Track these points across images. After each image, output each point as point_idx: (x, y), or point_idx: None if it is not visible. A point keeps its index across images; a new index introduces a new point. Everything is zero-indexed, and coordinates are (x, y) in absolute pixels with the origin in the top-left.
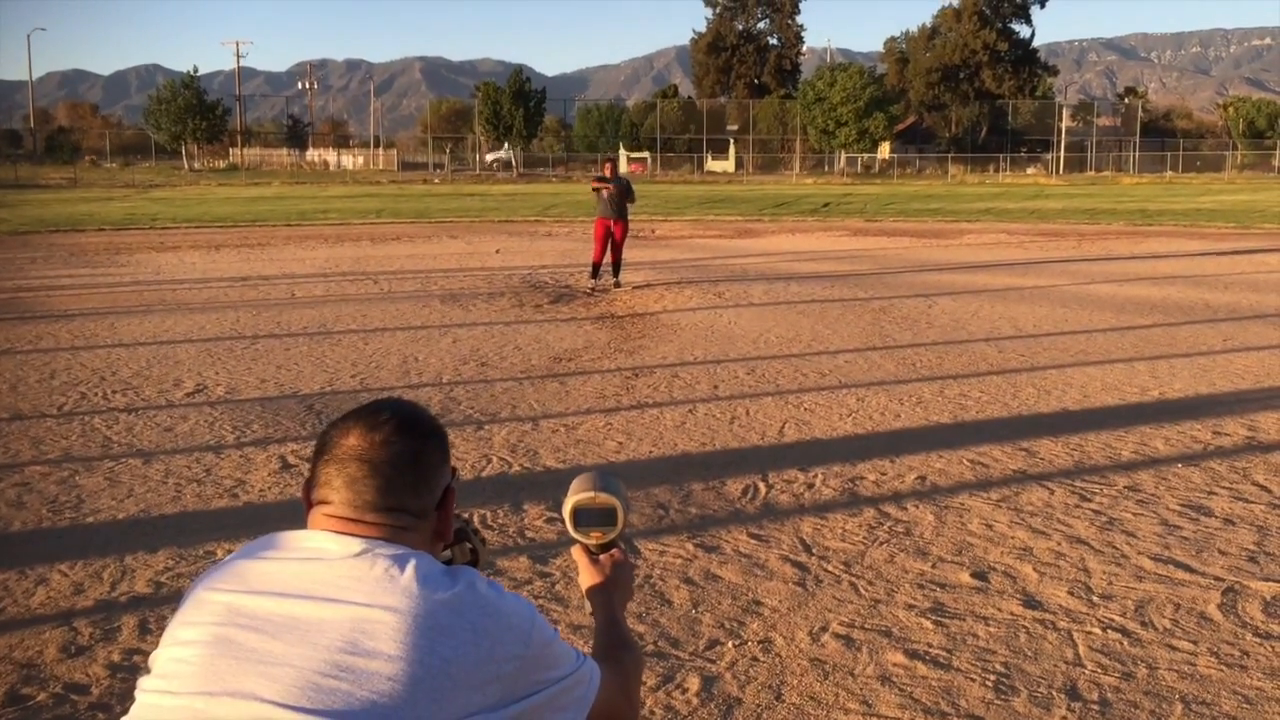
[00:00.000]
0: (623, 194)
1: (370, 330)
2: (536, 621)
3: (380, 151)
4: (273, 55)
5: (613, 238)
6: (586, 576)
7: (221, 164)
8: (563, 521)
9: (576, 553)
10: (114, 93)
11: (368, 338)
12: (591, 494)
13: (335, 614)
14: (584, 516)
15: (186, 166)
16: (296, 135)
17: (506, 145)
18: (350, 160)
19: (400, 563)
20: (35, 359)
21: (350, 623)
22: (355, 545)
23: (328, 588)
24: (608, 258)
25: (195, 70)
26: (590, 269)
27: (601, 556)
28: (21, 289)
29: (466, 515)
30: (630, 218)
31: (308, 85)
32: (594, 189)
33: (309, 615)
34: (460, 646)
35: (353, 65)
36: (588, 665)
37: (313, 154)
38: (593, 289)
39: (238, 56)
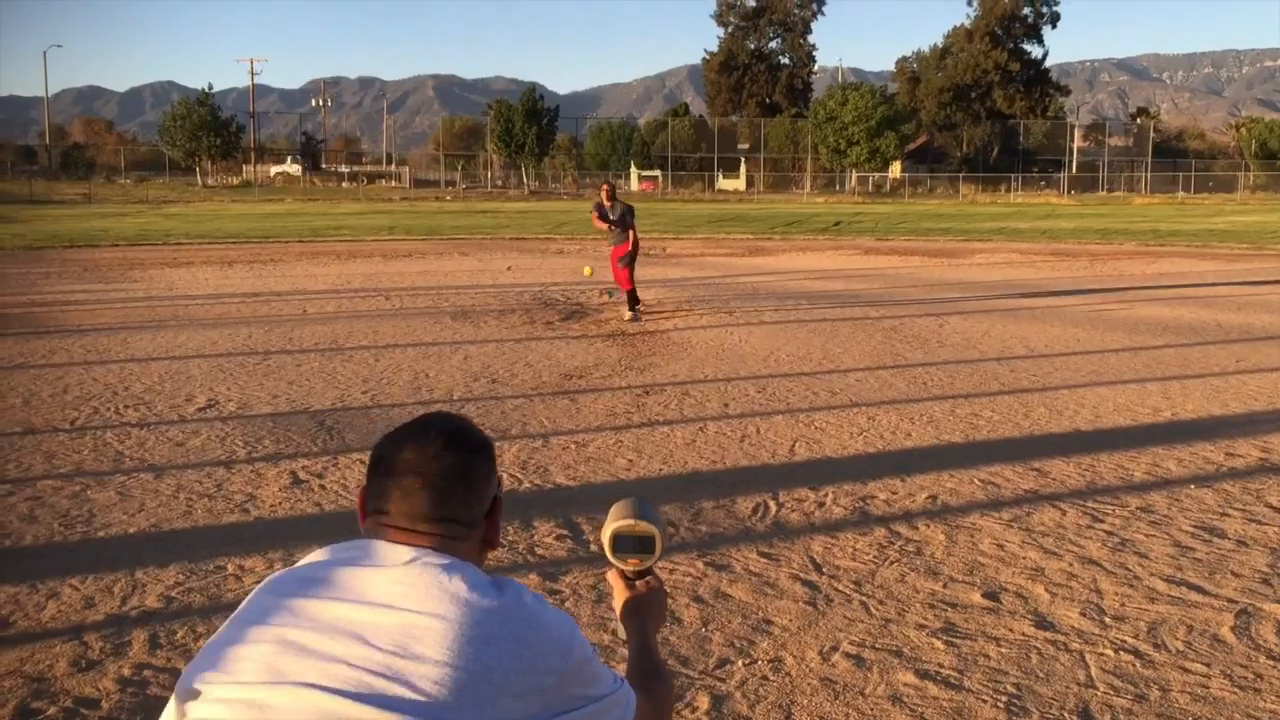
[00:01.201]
0: (624, 219)
1: (382, 346)
2: (578, 637)
3: (393, 168)
4: (287, 73)
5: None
6: (621, 601)
7: (235, 180)
8: (600, 548)
9: (612, 577)
10: (129, 109)
11: (379, 354)
12: (631, 522)
13: (388, 619)
14: (623, 543)
15: (200, 183)
16: (310, 152)
17: (290, 158)
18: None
19: (449, 572)
20: (48, 373)
21: (400, 628)
22: (407, 554)
23: (381, 593)
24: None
25: (210, 87)
26: (627, 301)
27: (638, 583)
28: (35, 304)
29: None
30: (639, 234)
31: (321, 102)
32: (595, 223)
33: (364, 619)
34: (503, 655)
35: (366, 83)
36: (625, 689)
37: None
38: (635, 317)
39: (252, 74)
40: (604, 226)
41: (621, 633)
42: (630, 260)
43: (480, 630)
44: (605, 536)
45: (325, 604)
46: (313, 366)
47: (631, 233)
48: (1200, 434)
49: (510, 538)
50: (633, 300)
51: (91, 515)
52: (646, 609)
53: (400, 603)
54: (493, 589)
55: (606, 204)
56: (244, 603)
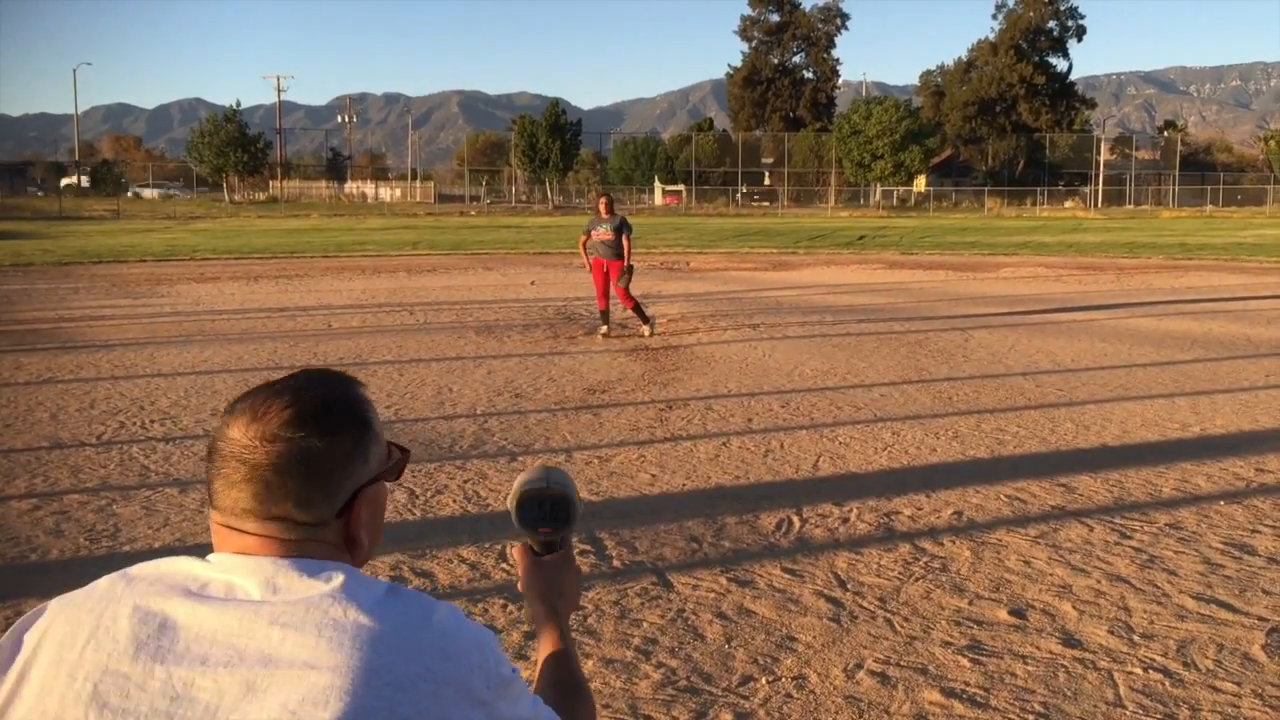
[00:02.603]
0: (618, 234)
1: (406, 361)
2: (498, 656)
3: (418, 184)
4: (313, 89)
5: (610, 279)
6: (527, 579)
7: (261, 196)
8: (510, 516)
9: (518, 553)
10: (157, 126)
11: (403, 368)
12: (542, 484)
13: (252, 680)
14: (530, 509)
15: (227, 199)
16: (336, 168)
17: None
18: (388, 193)
19: (336, 598)
20: (76, 388)
21: (276, 697)
22: (259, 568)
23: (239, 641)
24: (614, 303)
25: (238, 104)
26: (600, 317)
27: (547, 557)
28: (64, 319)
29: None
30: (642, 252)
31: (347, 118)
32: (582, 242)
33: (219, 690)
34: (421, 701)
35: (391, 99)
36: (543, 714)
37: (351, 186)
38: (606, 334)
39: (278, 90)
40: (581, 247)
41: (529, 619)
42: (625, 279)
43: (391, 678)
44: (511, 502)
45: (160, 671)
46: None
47: (625, 247)
48: (1230, 449)
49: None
50: (604, 318)
51: (117, 530)
52: (557, 590)
53: (273, 650)
54: (393, 611)
55: (604, 216)
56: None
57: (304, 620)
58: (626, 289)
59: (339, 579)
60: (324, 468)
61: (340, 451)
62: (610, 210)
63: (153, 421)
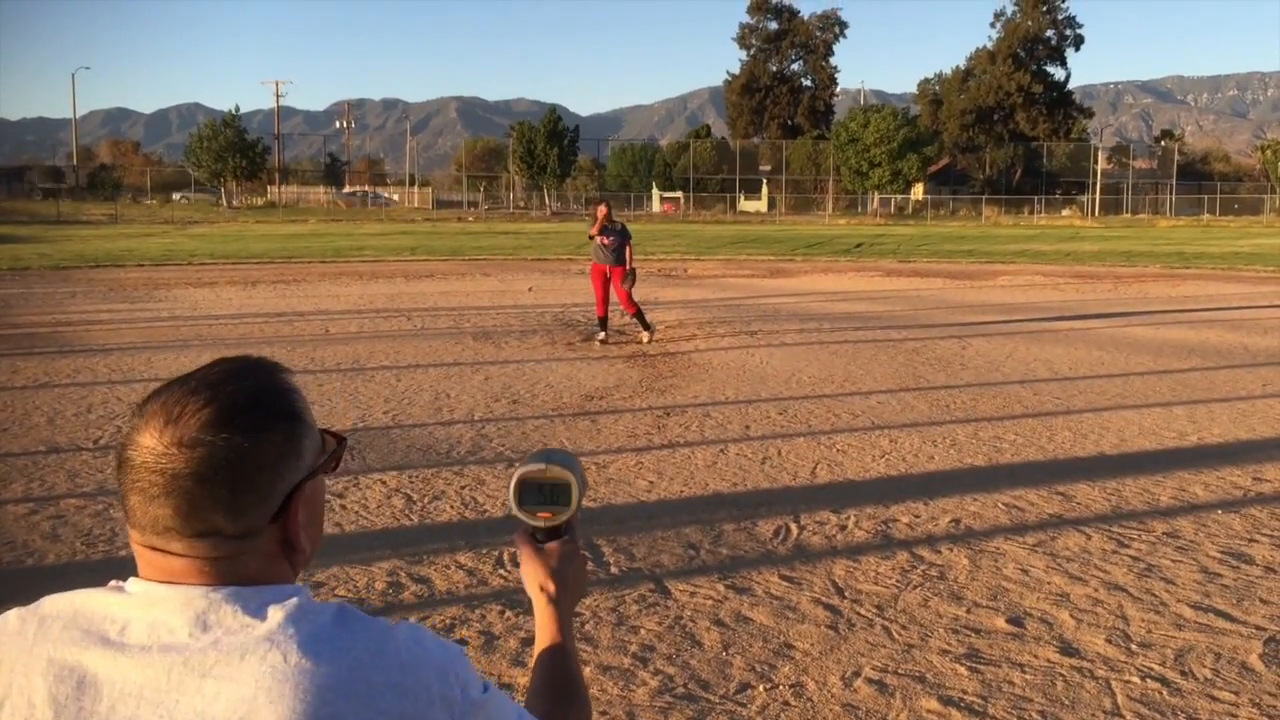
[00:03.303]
0: (620, 241)
1: (403, 366)
2: (463, 676)
3: (415, 190)
4: (311, 95)
5: (611, 285)
6: (529, 568)
7: (259, 201)
8: (508, 507)
9: (520, 540)
10: (155, 130)
11: (400, 374)
12: (541, 466)
13: None
14: (530, 493)
15: (225, 204)
16: (334, 173)
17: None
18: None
19: (275, 645)
20: (73, 392)
21: None
22: (184, 603)
23: (175, 696)
24: (616, 309)
25: (237, 109)
26: (598, 323)
27: (548, 545)
28: (61, 323)
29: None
30: (641, 258)
31: (345, 124)
32: (591, 236)
33: None
34: None
35: (390, 104)
36: None
37: (349, 191)
38: (604, 341)
39: (277, 96)
40: (595, 232)
41: (532, 604)
42: (629, 282)
43: None
44: (511, 486)
45: None
46: (334, 386)
47: (628, 254)
48: (1227, 458)
49: None
50: (602, 324)
51: (114, 534)
52: (560, 579)
53: (205, 708)
54: (336, 643)
55: (604, 222)
56: None
57: (239, 671)
58: (629, 294)
59: (277, 615)
60: (254, 470)
61: (271, 449)
62: (609, 217)
63: None
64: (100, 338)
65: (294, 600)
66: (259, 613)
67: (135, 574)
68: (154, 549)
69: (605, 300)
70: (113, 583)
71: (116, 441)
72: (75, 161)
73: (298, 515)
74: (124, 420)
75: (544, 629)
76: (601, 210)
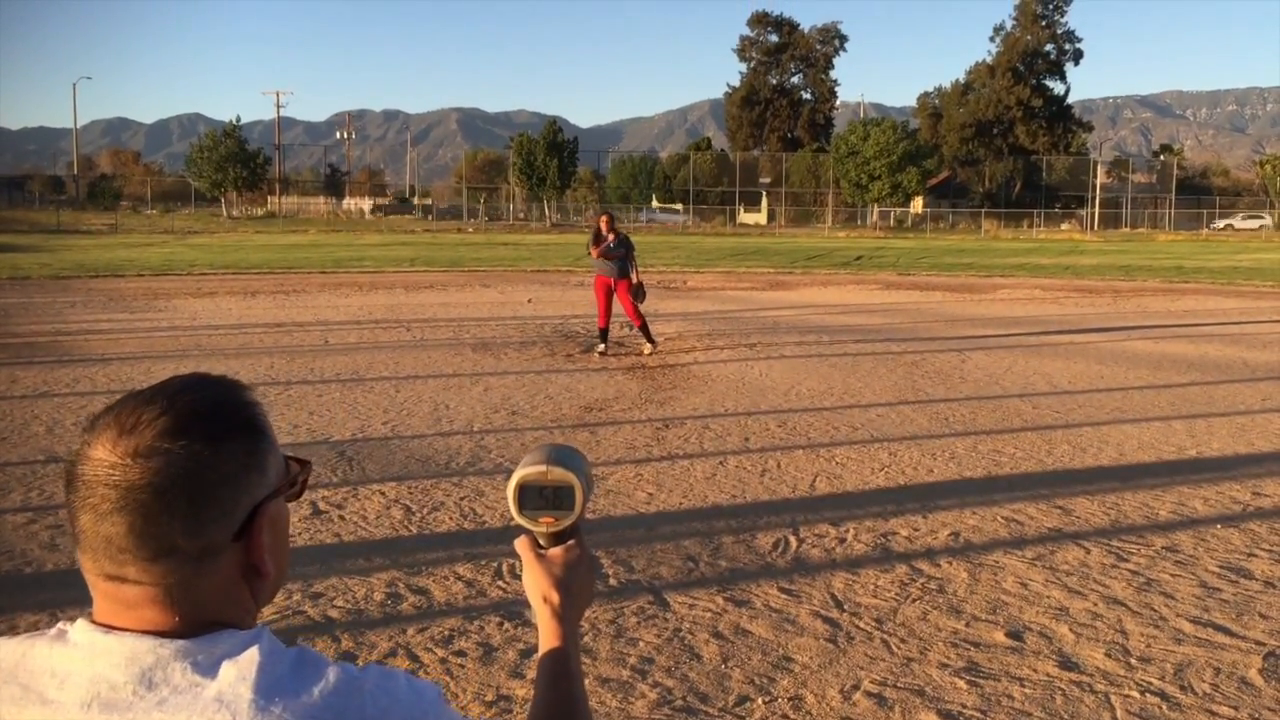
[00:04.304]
0: (624, 253)
1: (402, 377)
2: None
3: (416, 200)
4: (312, 105)
5: (616, 298)
6: (531, 577)
7: (259, 211)
8: (508, 509)
9: (521, 545)
10: (156, 141)
11: (400, 385)
12: (542, 468)
13: None
14: (530, 496)
15: (225, 214)
16: (334, 184)
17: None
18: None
19: (225, 706)
20: (72, 402)
21: None
22: (140, 660)
23: None
24: (622, 320)
25: (238, 119)
26: (599, 335)
27: (551, 550)
28: (60, 332)
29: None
30: (641, 271)
31: (346, 135)
32: (590, 254)
33: None
34: None
35: (390, 115)
36: None
37: (349, 202)
38: (603, 353)
39: (278, 106)
40: (595, 254)
41: (533, 618)
42: (637, 295)
43: None
44: (510, 489)
45: None
46: (334, 397)
47: (633, 269)
48: (1227, 473)
49: None
50: (603, 336)
51: None
52: (565, 588)
53: None
54: (292, 700)
55: (607, 234)
56: None
57: None
58: (636, 307)
59: (229, 672)
60: (215, 481)
61: (232, 460)
62: (611, 228)
63: None
64: (99, 347)
65: (249, 652)
66: (210, 670)
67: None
68: (108, 577)
69: (608, 312)
70: (59, 625)
71: (65, 460)
72: (76, 171)
73: (261, 535)
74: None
75: (548, 643)
76: (603, 220)
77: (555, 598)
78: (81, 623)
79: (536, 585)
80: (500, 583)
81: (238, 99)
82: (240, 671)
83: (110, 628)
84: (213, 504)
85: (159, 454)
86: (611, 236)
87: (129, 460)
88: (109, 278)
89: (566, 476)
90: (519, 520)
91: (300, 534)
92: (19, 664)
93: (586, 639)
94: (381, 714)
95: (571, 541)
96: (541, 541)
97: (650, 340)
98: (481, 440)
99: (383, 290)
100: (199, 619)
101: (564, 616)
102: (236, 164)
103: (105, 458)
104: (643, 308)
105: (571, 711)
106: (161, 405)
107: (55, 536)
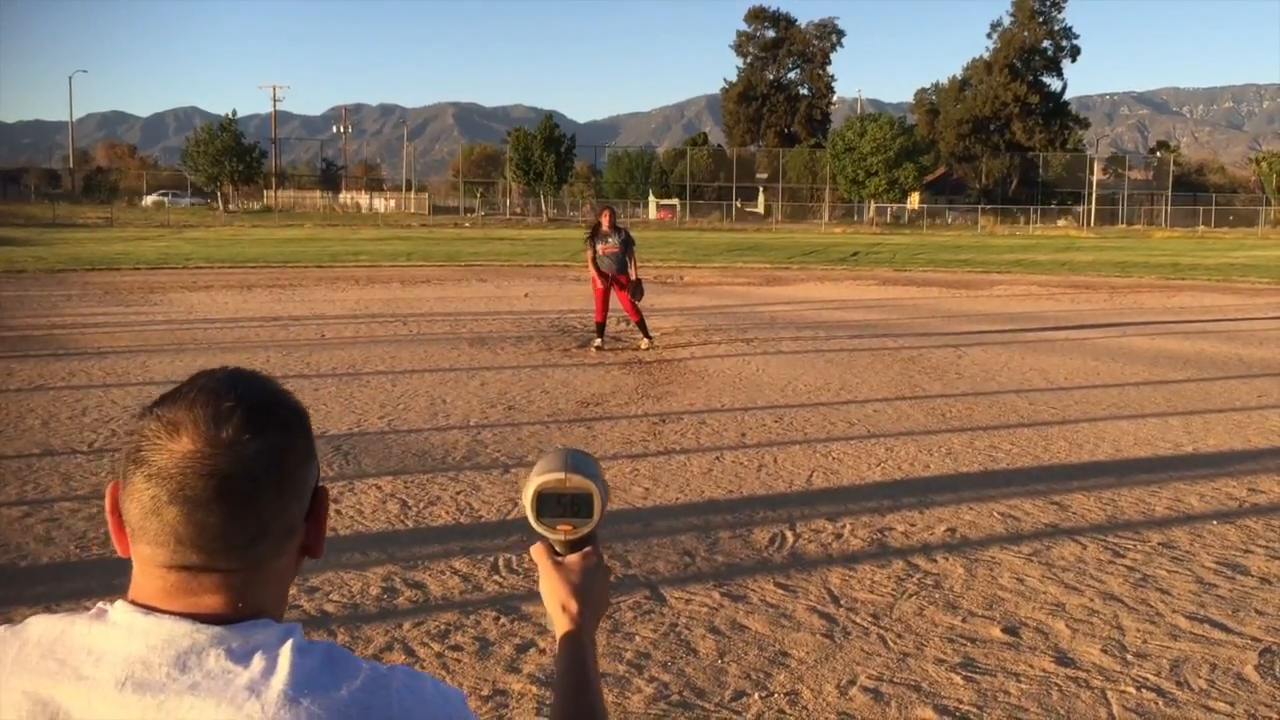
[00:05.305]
0: (623, 248)
1: (399, 372)
2: None
3: (412, 195)
4: (308, 99)
5: (613, 292)
6: (549, 585)
7: (256, 205)
8: (523, 511)
9: (537, 553)
10: (152, 134)
11: (396, 379)
12: (560, 476)
13: None
14: (548, 504)
15: (221, 208)
16: (330, 178)
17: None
18: (382, 204)
19: (254, 695)
20: (67, 395)
21: None
22: (177, 644)
23: None
24: (618, 317)
25: (234, 113)
26: (596, 329)
27: (568, 558)
28: (56, 326)
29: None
30: (640, 266)
31: (342, 129)
32: (587, 254)
33: None
34: None
35: (387, 110)
36: None
37: (345, 196)
38: (600, 347)
39: (274, 100)
40: (590, 259)
41: (550, 627)
42: (635, 292)
43: None
44: (527, 497)
45: None
46: (330, 391)
47: (632, 265)
48: (1223, 469)
49: (525, 564)
50: (600, 331)
51: (108, 538)
52: (583, 596)
53: None
54: (321, 693)
55: (607, 229)
56: None
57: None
58: (634, 303)
59: (260, 662)
60: (293, 464)
61: (300, 446)
62: (612, 224)
63: None
64: (95, 341)
65: (283, 644)
66: (244, 659)
67: (127, 582)
68: (182, 567)
69: (605, 307)
70: (99, 605)
71: (128, 457)
72: (72, 164)
73: (324, 514)
74: (118, 423)
75: (566, 653)
76: (605, 216)
77: (574, 606)
78: (121, 603)
79: (554, 593)
80: (496, 577)
81: (234, 93)
82: (273, 663)
83: (150, 609)
84: (294, 487)
85: (248, 443)
86: (609, 231)
87: (222, 451)
88: (105, 271)
89: (585, 485)
90: (536, 528)
91: None
92: (58, 639)
93: None
94: (406, 713)
95: (588, 549)
96: (558, 549)
97: (647, 335)
98: (478, 435)
99: (379, 285)
100: (250, 606)
101: (582, 625)
102: (233, 158)
103: (196, 448)
104: (640, 303)
105: (586, 703)
106: (234, 397)
107: (50, 530)
